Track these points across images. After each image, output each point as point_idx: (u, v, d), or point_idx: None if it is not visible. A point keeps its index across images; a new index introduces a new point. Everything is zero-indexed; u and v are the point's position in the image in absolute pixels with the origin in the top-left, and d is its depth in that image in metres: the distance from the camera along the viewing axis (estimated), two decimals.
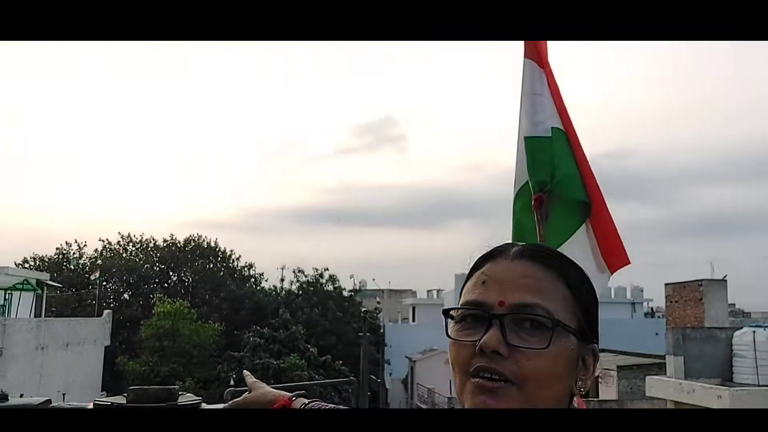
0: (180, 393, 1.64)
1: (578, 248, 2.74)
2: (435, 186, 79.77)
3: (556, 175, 2.76)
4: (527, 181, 2.76)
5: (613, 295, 46.20)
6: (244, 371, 1.54)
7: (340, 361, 31.94)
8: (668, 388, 12.19)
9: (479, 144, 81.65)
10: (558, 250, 2.93)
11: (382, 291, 52.69)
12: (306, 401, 1.39)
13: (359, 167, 79.38)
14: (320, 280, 40.66)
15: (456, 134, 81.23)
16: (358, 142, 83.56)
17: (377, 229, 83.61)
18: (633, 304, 45.89)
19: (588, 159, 2.82)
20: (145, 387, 1.59)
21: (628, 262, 2.81)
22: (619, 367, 26.00)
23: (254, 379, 1.44)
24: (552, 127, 2.76)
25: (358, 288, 44.04)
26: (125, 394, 1.52)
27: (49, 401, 1.69)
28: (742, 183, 79.56)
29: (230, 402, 1.49)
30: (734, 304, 38.62)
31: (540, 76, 2.78)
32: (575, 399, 0.97)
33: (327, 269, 40.98)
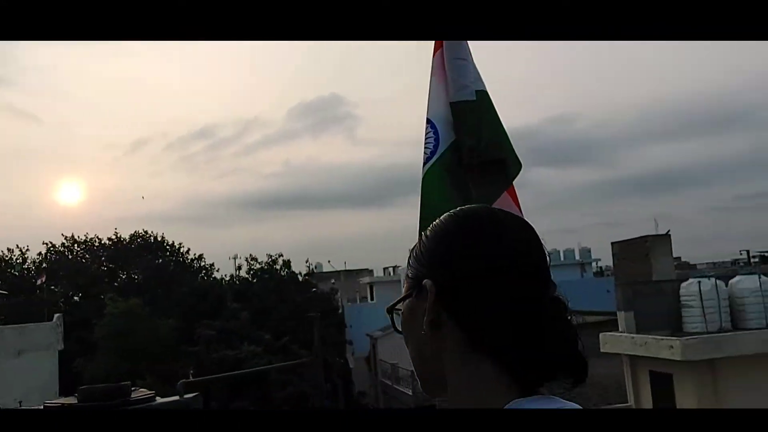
0: (133, 389, 1.61)
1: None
2: (384, 163, 79.96)
3: (483, 139, 2.77)
4: (447, 149, 2.75)
5: (562, 257, 47.24)
6: None
7: (297, 345, 31.89)
8: (622, 343, 12.56)
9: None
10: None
11: (339, 272, 52.70)
12: None
13: (306, 149, 78.86)
14: (274, 266, 40.40)
15: (403, 109, 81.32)
16: (304, 123, 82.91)
17: (330, 210, 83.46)
18: (582, 264, 46.96)
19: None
20: (96, 385, 1.55)
21: None
22: None
23: None
24: (476, 90, 2.75)
25: (312, 271, 43.92)
26: (76, 395, 1.49)
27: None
28: (683, 139, 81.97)
29: None
30: (680, 258, 40.00)
31: (465, 43, 2.81)
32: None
33: (281, 255, 40.76)
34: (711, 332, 11.24)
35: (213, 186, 74.10)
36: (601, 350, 13.91)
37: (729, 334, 11.10)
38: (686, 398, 10.98)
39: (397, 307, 1.08)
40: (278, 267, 40.50)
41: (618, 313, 13.36)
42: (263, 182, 77.40)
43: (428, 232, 1.05)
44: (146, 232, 41.59)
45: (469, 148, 2.73)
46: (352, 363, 39.30)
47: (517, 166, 2.83)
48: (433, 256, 1.01)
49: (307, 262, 44.29)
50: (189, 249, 42.50)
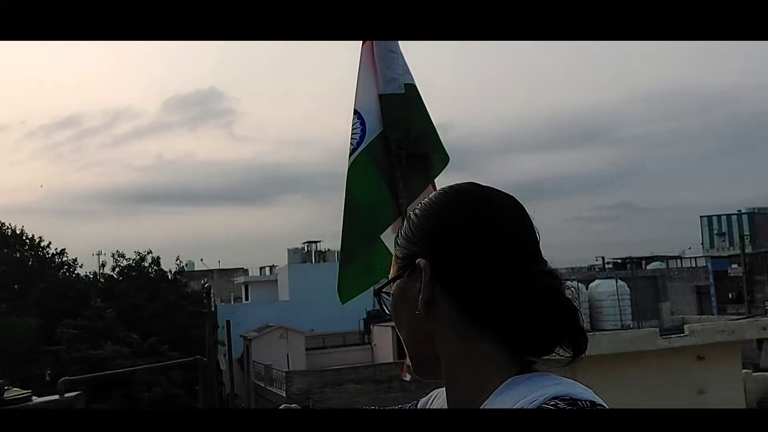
0: (6, 388, 1.54)
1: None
2: (264, 161, 78.68)
3: (412, 131, 2.79)
4: (374, 139, 2.75)
5: None
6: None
7: (167, 345, 30.77)
8: None
9: (310, 118, 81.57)
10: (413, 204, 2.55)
11: (211, 271, 51.28)
12: None
13: (182, 143, 76.14)
14: (142, 263, 38.71)
15: (285, 108, 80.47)
16: (180, 116, 79.96)
17: (204, 207, 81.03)
18: None
19: None
20: None
21: None
22: None
23: None
24: (405, 84, 2.78)
25: (182, 269, 42.47)
26: None
27: None
28: (551, 150, 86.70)
29: None
30: (546, 261, 42.03)
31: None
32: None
33: (150, 252, 39.12)
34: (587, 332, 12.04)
35: (78, 178, 69.97)
36: None
37: (588, 334, 11.94)
38: None
39: (384, 289, 1.06)
40: (147, 265, 38.84)
41: None
42: (133, 175, 74.10)
43: (418, 211, 1.03)
44: (3, 224, 38.59)
45: (397, 140, 2.75)
46: (224, 364, 38.41)
47: (444, 161, 2.85)
48: (426, 233, 0.99)
49: (177, 260, 42.75)
50: (50, 243, 39.87)
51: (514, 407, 0.85)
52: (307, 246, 46.94)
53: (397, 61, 2.78)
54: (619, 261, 43.59)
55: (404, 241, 1.03)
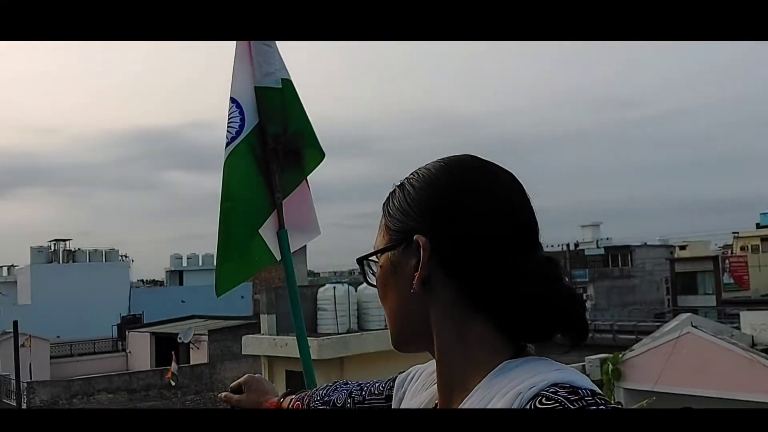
0: None
1: (301, 199, 2.77)
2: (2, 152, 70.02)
3: (289, 127, 2.76)
4: (253, 130, 2.68)
5: (201, 263, 47.25)
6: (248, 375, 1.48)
7: None
8: (263, 345, 13.24)
9: (57, 105, 74.27)
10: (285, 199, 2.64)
11: None
12: (294, 396, 1.36)
13: None
14: None
15: (37, 94, 72.29)
16: None
17: None
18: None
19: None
20: None
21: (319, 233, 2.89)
22: (210, 332, 26.95)
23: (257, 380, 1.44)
24: (282, 79, 2.74)
25: None
26: None
27: None
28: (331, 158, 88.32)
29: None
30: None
31: None
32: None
33: None
34: (341, 333, 12.59)
35: None
36: (243, 352, 14.45)
37: (356, 334, 12.59)
38: None
39: (371, 258, 1.02)
40: None
41: (261, 315, 14.03)
42: None
43: (415, 182, 0.97)
44: None
45: (274, 134, 2.70)
46: None
47: (320, 156, 2.83)
48: (425, 207, 0.94)
49: None
50: None
51: (512, 392, 0.83)
52: (54, 245, 42.87)
53: (274, 54, 2.70)
54: None
55: (398, 212, 0.97)
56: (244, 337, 14.21)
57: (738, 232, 47.05)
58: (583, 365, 14.74)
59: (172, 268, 49.25)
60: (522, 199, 0.95)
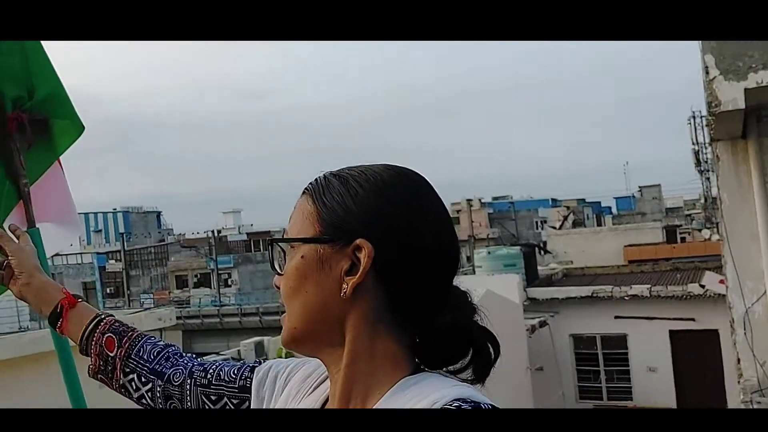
0: None
1: (55, 185, 2.10)
2: None
3: (38, 91, 2.06)
4: None
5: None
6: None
7: None
8: None
9: None
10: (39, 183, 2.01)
11: None
12: (101, 315, 1.29)
13: None
14: None
15: None
16: None
17: None
18: None
19: None
20: None
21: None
22: None
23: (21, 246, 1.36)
24: None
25: None
26: None
27: None
28: None
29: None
30: None
31: None
32: None
33: None
34: None
35: None
36: None
37: None
38: None
39: (282, 244, 0.97)
40: None
41: None
42: None
43: (363, 182, 0.92)
44: None
45: (15, 98, 1.99)
46: None
47: (77, 129, 2.14)
48: (373, 215, 0.90)
49: None
50: None
51: (415, 408, 0.84)
52: None
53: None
54: None
55: (339, 207, 0.92)
56: None
57: None
58: (238, 350, 15.28)
59: None
60: (453, 230, 0.96)
